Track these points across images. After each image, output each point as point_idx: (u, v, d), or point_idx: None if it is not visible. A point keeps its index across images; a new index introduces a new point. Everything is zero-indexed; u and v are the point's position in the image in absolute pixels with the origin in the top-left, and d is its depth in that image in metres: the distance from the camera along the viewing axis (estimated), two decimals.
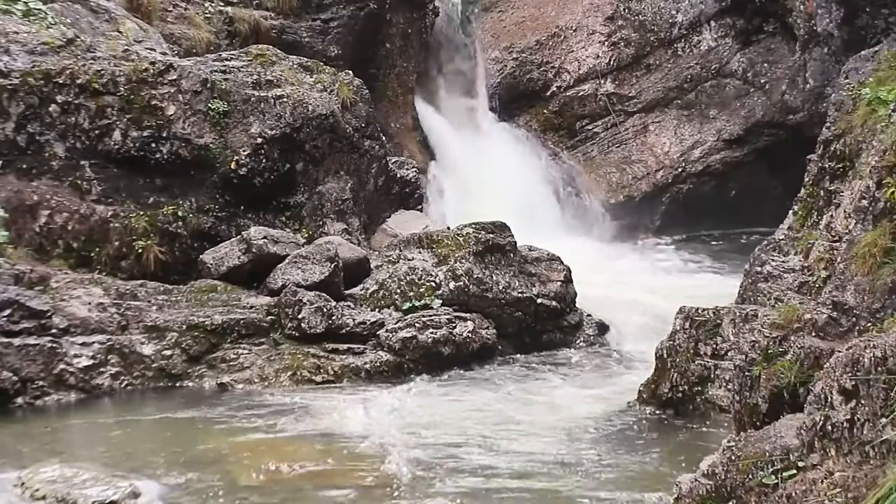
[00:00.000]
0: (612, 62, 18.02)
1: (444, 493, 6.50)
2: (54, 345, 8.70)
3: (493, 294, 10.38)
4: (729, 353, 7.65)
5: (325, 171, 11.44)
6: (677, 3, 18.01)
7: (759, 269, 8.73)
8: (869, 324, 5.76)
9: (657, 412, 8.32)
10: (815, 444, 4.44)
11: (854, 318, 5.93)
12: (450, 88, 17.49)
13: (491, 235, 10.71)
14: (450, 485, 6.69)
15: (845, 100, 8.64)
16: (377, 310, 9.96)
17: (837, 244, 7.37)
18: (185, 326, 9.31)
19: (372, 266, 10.48)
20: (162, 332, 9.24)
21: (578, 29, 18.07)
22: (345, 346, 9.55)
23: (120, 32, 11.84)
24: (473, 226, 10.89)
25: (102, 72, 10.48)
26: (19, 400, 8.44)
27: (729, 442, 4.95)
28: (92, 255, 10.14)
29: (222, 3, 14.36)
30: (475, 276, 10.34)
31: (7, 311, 8.57)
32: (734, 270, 12.98)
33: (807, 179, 8.95)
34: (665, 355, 8.37)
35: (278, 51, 11.99)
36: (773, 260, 8.67)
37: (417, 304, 10.03)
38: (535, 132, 17.89)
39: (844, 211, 7.56)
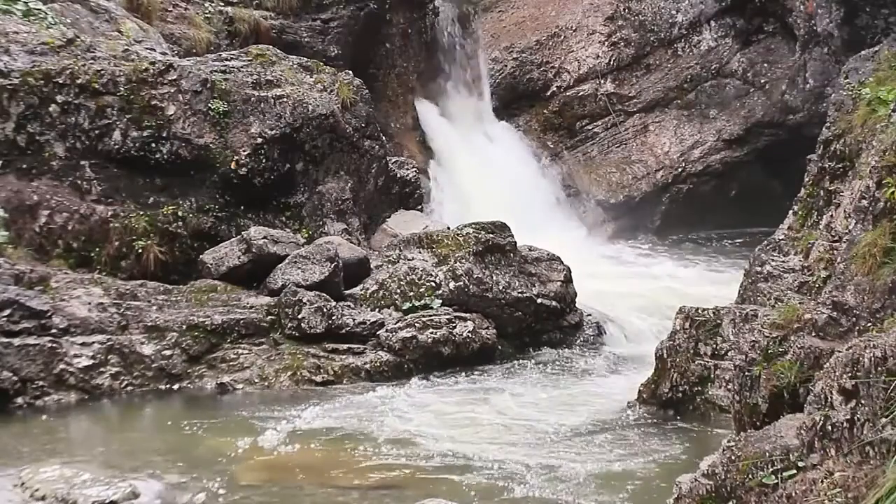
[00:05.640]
0: (612, 62, 18.02)
1: None
2: (54, 345, 8.70)
3: (493, 294, 10.37)
4: (729, 353, 7.64)
5: (325, 171, 11.43)
6: (677, 3, 18.01)
7: (759, 269, 8.73)
8: (869, 324, 5.75)
9: (657, 412, 8.31)
10: (815, 444, 4.44)
11: (854, 318, 5.92)
12: (450, 88, 17.49)
13: (491, 235, 10.70)
14: None
15: (845, 100, 8.64)
16: (377, 310, 9.96)
17: (837, 244, 7.36)
18: (185, 326, 9.30)
19: (372, 266, 10.47)
20: (162, 332, 9.23)
21: (578, 29, 18.07)
22: (345, 346, 9.55)
23: (120, 32, 11.84)
24: (473, 226, 10.89)
25: (102, 72, 10.47)
26: (19, 400, 8.43)
27: (729, 442, 4.94)
28: (92, 255, 10.14)
29: (222, 3, 14.36)
30: (475, 276, 10.33)
31: (7, 311, 8.57)
32: (734, 270, 12.98)
33: (807, 179, 8.96)
34: (665, 355, 8.36)
35: (278, 51, 11.99)
36: (773, 260, 8.67)
37: (417, 304, 10.03)
38: (535, 132, 17.89)
39: (844, 211, 7.56)
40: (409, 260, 10.47)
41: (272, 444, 7.53)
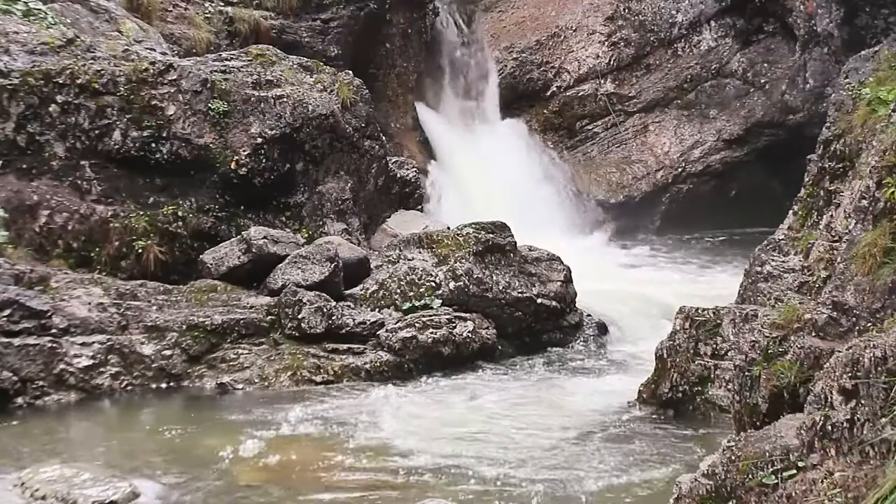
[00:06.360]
0: (612, 62, 18.03)
1: None
2: (54, 345, 8.70)
3: (493, 294, 10.37)
4: (729, 353, 7.64)
5: (325, 171, 11.44)
6: (677, 3, 18.02)
7: (759, 269, 8.73)
8: (869, 324, 5.75)
9: (657, 412, 8.31)
10: (815, 444, 4.43)
11: (854, 318, 5.92)
12: (450, 88, 17.50)
13: (491, 235, 10.70)
14: None
15: (845, 100, 8.65)
16: (377, 310, 9.96)
17: (837, 244, 7.36)
18: (185, 326, 9.30)
19: (372, 266, 10.47)
20: (162, 332, 9.23)
21: (578, 29, 18.08)
22: (345, 346, 9.55)
23: (120, 32, 11.85)
24: (473, 226, 10.89)
25: (102, 72, 10.47)
26: (19, 400, 8.43)
27: (729, 442, 4.94)
28: (92, 255, 10.14)
29: (222, 3, 14.37)
30: (475, 276, 10.33)
31: (7, 311, 8.57)
32: (734, 270, 12.99)
33: (807, 179, 8.96)
34: (665, 355, 8.36)
35: (278, 51, 11.99)
36: (773, 260, 8.67)
37: (417, 304, 10.02)
38: (535, 132, 17.90)
39: (844, 211, 7.55)
40: (409, 260, 10.47)
41: (272, 444, 7.53)
